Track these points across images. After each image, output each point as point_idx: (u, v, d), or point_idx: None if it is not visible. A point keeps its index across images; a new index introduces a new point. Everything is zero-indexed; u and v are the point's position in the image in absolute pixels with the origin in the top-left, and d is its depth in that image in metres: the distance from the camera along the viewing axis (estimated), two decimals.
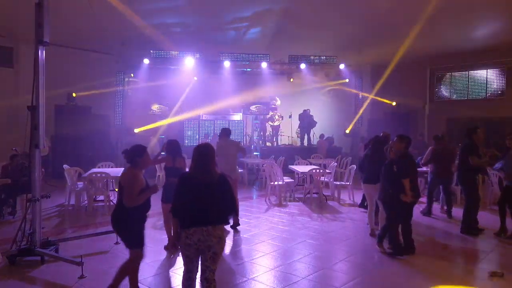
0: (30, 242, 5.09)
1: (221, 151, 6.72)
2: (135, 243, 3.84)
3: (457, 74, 15.44)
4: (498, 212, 6.52)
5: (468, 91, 15.26)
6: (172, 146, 5.70)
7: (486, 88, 14.80)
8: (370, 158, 6.33)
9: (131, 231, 3.81)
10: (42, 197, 5.24)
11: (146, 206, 3.89)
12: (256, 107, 16.13)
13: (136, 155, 3.83)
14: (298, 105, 16.54)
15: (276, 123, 16.41)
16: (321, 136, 15.16)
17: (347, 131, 16.20)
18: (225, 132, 7.15)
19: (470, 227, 6.55)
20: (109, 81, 14.13)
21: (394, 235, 5.47)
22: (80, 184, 8.57)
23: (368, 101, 16.28)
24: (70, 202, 8.27)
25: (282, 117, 16.42)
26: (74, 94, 13.10)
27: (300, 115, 15.74)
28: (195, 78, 15.05)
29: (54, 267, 4.92)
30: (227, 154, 6.84)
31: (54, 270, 4.86)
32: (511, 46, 13.26)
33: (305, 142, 15.69)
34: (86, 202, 8.42)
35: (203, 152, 3.37)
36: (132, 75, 14.51)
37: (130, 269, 3.92)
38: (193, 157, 3.37)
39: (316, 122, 15.68)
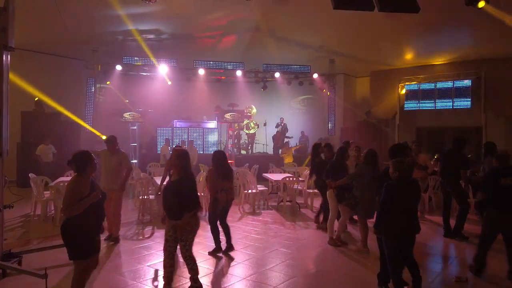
0: None
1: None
2: (78, 254, 3.60)
3: (425, 85, 15.97)
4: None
5: (436, 102, 15.79)
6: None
7: (453, 99, 15.36)
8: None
9: (75, 241, 3.58)
10: (4, 208, 5.03)
11: (99, 214, 3.73)
12: (231, 115, 16.12)
13: (84, 163, 3.66)
14: (272, 114, 16.67)
15: (251, 131, 16.47)
16: (286, 144, 15.51)
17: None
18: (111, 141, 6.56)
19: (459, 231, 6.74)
20: (80, 87, 13.81)
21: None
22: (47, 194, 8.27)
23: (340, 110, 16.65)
24: (36, 212, 7.97)
25: (257, 125, 16.51)
26: (36, 98, 12.64)
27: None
28: (169, 82, 14.91)
29: (16, 281, 4.72)
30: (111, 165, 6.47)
31: (17, 283, 4.66)
32: (477, 59, 13.85)
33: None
34: (53, 212, 8.14)
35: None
36: (108, 82, 14.22)
37: (75, 283, 3.67)
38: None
39: (277, 131, 16.12)
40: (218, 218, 5.88)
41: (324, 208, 7.34)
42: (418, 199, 4.43)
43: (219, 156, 5.96)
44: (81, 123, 13.62)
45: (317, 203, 9.56)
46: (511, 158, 4.99)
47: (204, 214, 7.40)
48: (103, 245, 6.14)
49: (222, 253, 5.85)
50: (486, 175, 5.17)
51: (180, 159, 4.26)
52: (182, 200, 4.09)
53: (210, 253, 5.82)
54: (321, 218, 7.56)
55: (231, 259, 5.69)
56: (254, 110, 17.14)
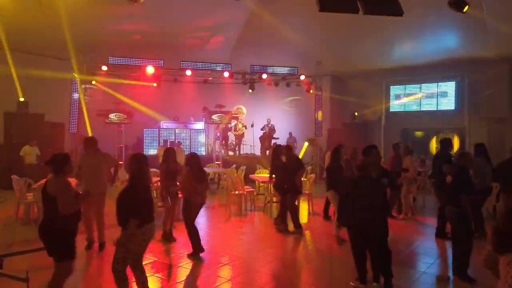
0: None
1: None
2: (66, 255, 3.71)
3: (410, 87, 16.23)
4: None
5: (420, 104, 16.06)
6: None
7: (437, 100, 15.64)
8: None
9: (62, 242, 3.70)
10: None
11: (78, 216, 3.86)
12: (218, 116, 16.09)
13: (64, 163, 3.85)
14: (260, 115, 16.70)
15: (239, 132, 16.46)
16: (274, 145, 15.54)
17: (305, 145, 16.52)
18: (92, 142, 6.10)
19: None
20: (65, 87, 13.61)
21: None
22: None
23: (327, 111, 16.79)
24: (19, 215, 7.82)
25: (245, 126, 16.50)
26: (22, 98, 12.40)
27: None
28: (155, 84, 14.81)
29: None
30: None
31: None
32: (460, 61, 14.12)
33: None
34: (36, 214, 7.99)
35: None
36: (94, 82, 14.06)
37: (57, 285, 3.72)
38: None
39: (263, 132, 16.15)
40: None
41: (282, 209, 7.36)
42: (375, 195, 4.48)
43: (194, 158, 5.81)
44: (66, 124, 13.42)
45: (304, 203, 9.64)
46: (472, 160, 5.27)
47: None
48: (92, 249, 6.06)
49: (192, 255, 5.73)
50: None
51: (134, 163, 3.88)
52: (124, 208, 3.72)
53: (189, 256, 5.73)
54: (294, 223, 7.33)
55: (218, 261, 5.68)
56: (244, 111, 17.12)
